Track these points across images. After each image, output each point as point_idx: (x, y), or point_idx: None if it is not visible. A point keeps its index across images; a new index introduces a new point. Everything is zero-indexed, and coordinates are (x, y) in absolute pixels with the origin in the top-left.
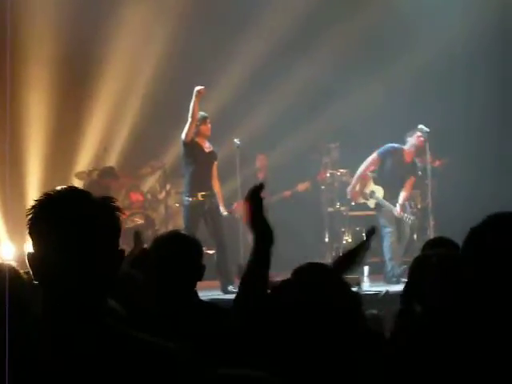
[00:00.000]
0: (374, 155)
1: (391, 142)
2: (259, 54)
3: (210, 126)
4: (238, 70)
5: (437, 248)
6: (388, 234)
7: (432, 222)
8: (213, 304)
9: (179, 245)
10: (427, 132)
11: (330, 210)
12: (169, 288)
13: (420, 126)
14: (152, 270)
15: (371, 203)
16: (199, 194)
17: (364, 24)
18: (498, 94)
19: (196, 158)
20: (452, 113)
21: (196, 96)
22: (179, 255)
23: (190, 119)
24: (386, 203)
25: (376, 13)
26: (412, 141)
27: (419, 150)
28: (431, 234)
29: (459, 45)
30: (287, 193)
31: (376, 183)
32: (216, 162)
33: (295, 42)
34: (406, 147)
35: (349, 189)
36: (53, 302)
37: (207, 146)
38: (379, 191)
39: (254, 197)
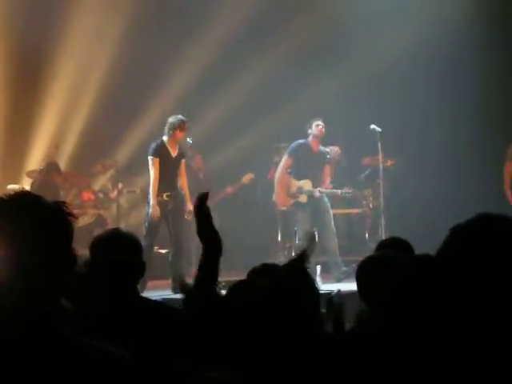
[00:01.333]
0: (285, 156)
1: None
2: (212, 52)
3: (185, 132)
4: (191, 68)
5: (389, 248)
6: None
7: (383, 222)
8: (159, 303)
9: (117, 243)
10: (379, 132)
11: (283, 209)
12: (110, 287)
13: (372, 126)
14: (92, 270)
15: (303, 199)
16: (164, 195)
17: (320, 22)
18: (453, 95)
19: (163, 161)
20: (406, 113)
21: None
22: (116, 254)
23: (154, 181)
24: (317, 191)
25: (334, 9)
26: (313, 132)
27: (322, 138)
28: (382, 234)
29: (418, 44)
30: (229, 189)
31: (299, 179)
32: (183, 161)
33: (248, 41)
34: (309, 139)
35: (274, 198)
36: (4, 304)
37: (176, 149)
38: (307, 184)
39: (200, 207)
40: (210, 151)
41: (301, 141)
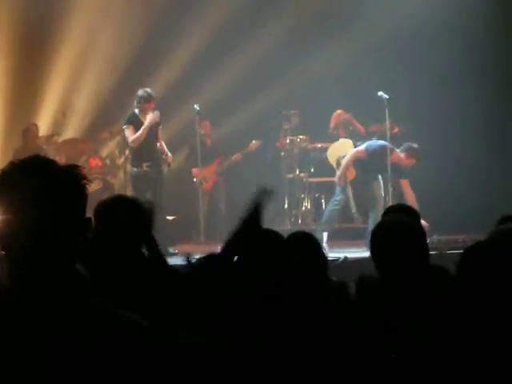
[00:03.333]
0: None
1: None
2: (217, 20)
3: (153, 104)
4: (199, 35)
5: (397, 214)
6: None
7: (390, 189)
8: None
9: (119, 208)
10: (387, 99)
11: (290, 176)
12: (114, 252)
13: (379, 93)
14: (97, 235)
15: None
16: (144, 165)
17: None
18: (461, 60)
19: (137, 131)
20: (415, 79)
21: (149, 124)
22: (119, 218)
23: (136, 138)
24: None
25: None
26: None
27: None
28: (389, 201)
29: (426, 10)
30: (238, 156)
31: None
32: (160, 127)
33: (256, 8)
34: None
35: (336, 179)
36: (19, 272)
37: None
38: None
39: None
40: (218, 118)
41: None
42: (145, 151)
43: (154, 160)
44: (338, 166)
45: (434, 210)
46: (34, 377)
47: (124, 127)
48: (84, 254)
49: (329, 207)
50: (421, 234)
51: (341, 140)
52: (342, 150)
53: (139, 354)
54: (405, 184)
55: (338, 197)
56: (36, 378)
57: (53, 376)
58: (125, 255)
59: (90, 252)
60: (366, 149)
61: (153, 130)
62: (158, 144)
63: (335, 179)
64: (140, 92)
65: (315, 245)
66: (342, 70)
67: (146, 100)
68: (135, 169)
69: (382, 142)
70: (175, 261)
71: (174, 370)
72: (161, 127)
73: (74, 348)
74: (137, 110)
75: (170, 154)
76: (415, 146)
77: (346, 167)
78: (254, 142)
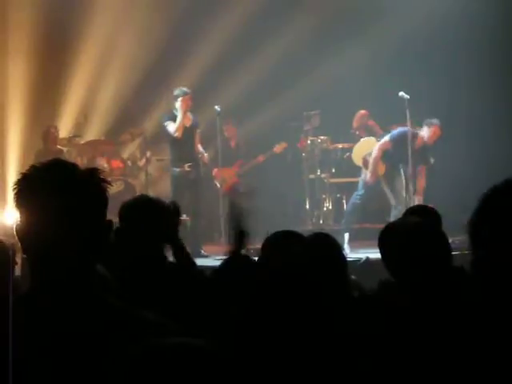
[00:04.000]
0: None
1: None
2: (239, 21)
3: (190, 101)
4: (220, 37)
5: (414, 215)
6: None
7: (412, 189)
8: (187, 267)
9: (144, 209)
10: (408, 99)
11: (311, 177)
12: (138, 252)
13: (400, 94)
14: (121, 236)
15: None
16: (185, 165)
17: None
18: (482, 63)
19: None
20: (434, 79)
21: (183, 111)
22: (143, 219)
23: (178, 126)
24: None
25: None
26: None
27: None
28: (410, 201)
29: (445, 9)
30: (260, 158)
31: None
32: (198, 131)
33: (276, 8)
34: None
35: (368, 178)
36: (41, 274)
37: (189, 119)
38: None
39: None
40: (240, 119)
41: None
42: (185, 152)
43: (193, 161)
44: (365, 165)
45: (456, 209)
46: (54, 375)
47: (165, 124)
48: (106, 255)
49: (351, 200)
50: (435, 235)
51: (364, 139)
52: (367, 148)
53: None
54: (422, 170)
55: (360, 192)
56: (56, 377)
57: (72, 374)
58: (147, 256)
59: (113, 252)
60: (390, 138)
61: (191, 132)
62: (196, 149)
63: (366, 178)
64: (176, 91)
65: (334, 245)
66: (363, 70)
67: (182, 97)
68: (176, 169)
69: (402, 129)
70: (205, 262)
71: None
72: (199, 131)
73: (93, 348)
74: (174, 110)
75: (206, 154)
76: (434, 119)
77: (376, 162)
78: (279, 144)
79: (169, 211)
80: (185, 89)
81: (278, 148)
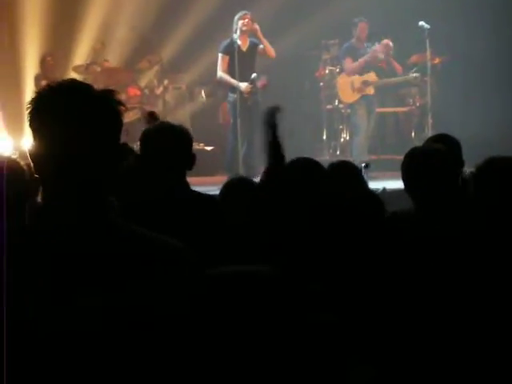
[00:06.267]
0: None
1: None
2: None
3: (247, 21)
4: None
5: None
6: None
7: (430, 120)
8: (209, 195)
9: (167, 135)
10: (428, 29)
11: (329, 107)
12: (159, 178)
13: (420, 23)
14: (143, 162)
15: (370, 91)
16: (244, 89)
17: None
18: None
19: (235, 57)
20: (455, 9)
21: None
22: (167, 145)
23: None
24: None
25: None
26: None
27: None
28: (429, 132)
29: None
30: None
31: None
32: (259, 48)
33: None
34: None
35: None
36: (53, 196)
37: (246, 42)
38: (371, 76)
39: (270, 121)
40: None
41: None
42: (242, 77)
43: (252, 87)
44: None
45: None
46: (63, 299)
47: (219, 55)
48: (126, 181)
49: None
50: (451, 160)
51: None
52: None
53: (180, 277)
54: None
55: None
56: (67, 300)
57: (84, 296)
58: (168, 182)
59: (134, 178)
60: None
61: (248, 58)
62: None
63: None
64: (235, 17)
65: (358, 174)
66: None
67: (241, 18)
68: (234, 96)
69: None
70: None
71: (216, 296)
72: (258, 49)
73: (106, 270)
74: (234, 35)
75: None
76: None
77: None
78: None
79: (191, 138)
80: (243, 11)
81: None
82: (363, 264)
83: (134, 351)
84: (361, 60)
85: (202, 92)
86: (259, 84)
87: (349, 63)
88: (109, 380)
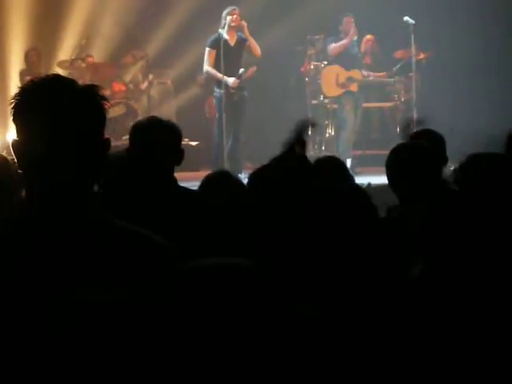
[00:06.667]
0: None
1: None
2: None
3: (236, 16)
4: None
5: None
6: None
7: (415, 116)
8: (195, 191)
9: (156, 130)
10: (413, 24)
11: (314, 102)
12: (148, 172)
13: (405, 18)
14: (132, 157)
15: (354, 88)
16: (229, 85)
17: None
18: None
19: (222, 52)
20: (439, 5)
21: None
22: (156, 140)
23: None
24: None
25: None
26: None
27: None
28: (414, 128)
29: None
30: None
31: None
32: (246, 44)
33: None
34: None
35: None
36: (36, 190)
37: (233, 37)
38: (356, 73)
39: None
40: None
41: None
42: (228, 72)
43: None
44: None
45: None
46: (45, 285)
47: (206, 49)
48: (109, 173)
49: None
50: (435, 157)
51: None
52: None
53: (160, 272)
54: None
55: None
56: (48, 286)
57: (65, 283)
58: (158, 177)
59: (124, 173)
60: None
61: (236, 54)
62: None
63: None
64: (224, 12)
65: (344, 169)
66: None
67: (229, 13)
68: (220, 90)
69: None
70: None
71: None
72: (247, 45)
73: (87, 260)
74: (221, 30)
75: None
76: None
77: None
78: (251, 68)
79: (180, 133)
80: (231, 6)
81: (248, 73)
82: (353, 260)
83: (124, 346)
84: (343, 41)
85: (199, 79)
86: (248, 72)
87: (332, 45)
88: (105, 376)
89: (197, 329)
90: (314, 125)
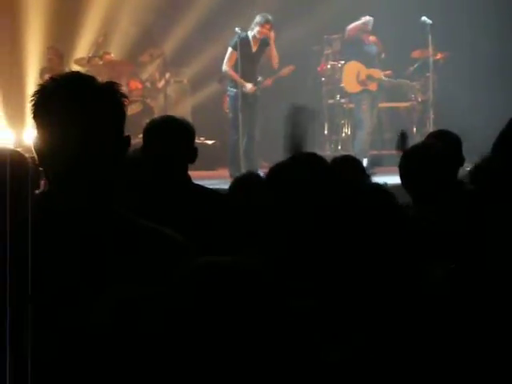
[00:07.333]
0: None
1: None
2: None
3: (266, 30)
4: None
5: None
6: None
7: (432, 116)
8: (209, 189)
9: (170, 128)
10: (430, 24)
11: (331, 102)
12: (162, 171)
13: (423, 18)
14: (146, 155)
15: (373, 87)
16: (247, 85)
17: None
18: None
19: (243, 55)
20: (458, 4)
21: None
22: (170, 138)
23: (225, 71)
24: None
25: None
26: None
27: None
28: (430, 128)
29: None
30: (269, 81)
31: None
32: (268, 48)
33: None
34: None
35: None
36: (61, 188)
37: (257, 43)
38: (376, 72)
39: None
40: None
41: None
42: (246, 75)
43: (253, 82)
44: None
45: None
46: (67, 278)
47: (228, 48)
48: (128, 171)
49: None
50: (448, 159)
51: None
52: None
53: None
54: None
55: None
56: (70, 280)
57: (86, 278)
58: (172, 176)
59: (138, 171)
60: None
61: (255, 58)
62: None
63: None
64: (258, 17)
65: (362, 169)
66: None
67: (261, 25)
68: (234, 89)
69: None
70: None
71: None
72: (266, 50)
73: (105, 254)
74: (250, 33)
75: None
76: None
77: None
78: (287, 66)
79: (194, 132)
80: (266, 15)
81: (284, 71)
82: (379, 259)
83: (144, 342)
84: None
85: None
86: (285, 70)
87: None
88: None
89: (211, 324)
90: (311, 114)
